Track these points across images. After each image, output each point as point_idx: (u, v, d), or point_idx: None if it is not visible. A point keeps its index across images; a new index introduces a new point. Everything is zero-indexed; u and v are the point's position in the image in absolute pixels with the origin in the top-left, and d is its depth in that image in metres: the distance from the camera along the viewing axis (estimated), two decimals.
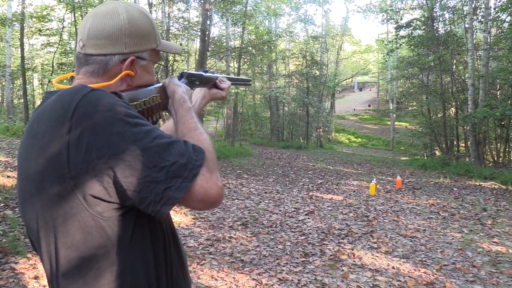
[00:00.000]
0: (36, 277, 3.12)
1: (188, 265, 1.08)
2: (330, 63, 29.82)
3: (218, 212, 5.74)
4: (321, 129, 25.09)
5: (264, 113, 26.95)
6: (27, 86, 16.23)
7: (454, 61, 16.18)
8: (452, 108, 16.49)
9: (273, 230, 5.04)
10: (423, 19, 16.50)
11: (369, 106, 44.58)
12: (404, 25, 16.49)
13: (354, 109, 44.06)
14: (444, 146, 15.94)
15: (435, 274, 3.68)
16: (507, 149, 14.21)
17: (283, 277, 3.53)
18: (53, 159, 0.77)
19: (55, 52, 16.50)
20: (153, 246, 0.86)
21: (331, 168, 12.36)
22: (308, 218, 5.66)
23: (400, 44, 17.11)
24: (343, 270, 3.75)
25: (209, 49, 14.44)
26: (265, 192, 7.52)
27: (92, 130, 0.75)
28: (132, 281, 0.82)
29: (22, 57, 14.44)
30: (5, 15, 14.98)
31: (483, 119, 12.12)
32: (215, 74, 1.32)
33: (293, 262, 3.94)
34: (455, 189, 8.44)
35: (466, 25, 14.00)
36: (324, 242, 4.58)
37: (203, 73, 1.26)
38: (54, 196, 0.78)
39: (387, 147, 30.03)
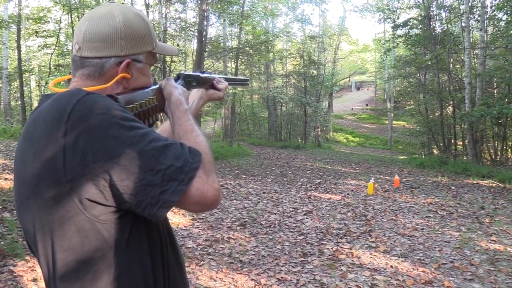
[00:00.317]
0: (34, 280, 3.12)
1: (186, 267, 1.08)
2: (327, 62, 29.83)
3: (217, 213, 5.74)
4: (319, 129, 25.11)
5: (262, 113, 26.95)
6: (24, 88, 16.19)
7: (451, 60, 16.21)
8: (449, 107, 16.53)
9: (271, 230, 5.05)
10: (420, 18, 16.53)
11: (367, 105, 44.60)
12: (401, 24, 16.51)
13: (352, 108, 44.07)
14: (441, 144, 15.97)
15: (434, 273, 3.69)
16: (504, 147, 14.25)
17: (281, 277, 3.54)
18: (49, 163, 0.77)
19: (52, 53, 16.44)
20: (150, 249, 0.86)
21: (329, 167, 12.37)
22: (307, 218, 5.67)
23: (397, 43, 17.13)
24: (341, 269, 3.76)
25: (207, 49, 14.42)
26: (264, 192, 7.52)
27: (87, 133, 0.75)
28: (129, 283, 0.82)
29: (19, 59, 14.40)
30: (1, 17, 14.91)
31: (481, 118, 12.16)
32: (212, 75, 1.32)
33: (291, 262, 3.95)
34: (453, 187, 8.46)
35: (463, 24, 14.05)
36: (322, 242, 4.59)
37: (200, 74, 1.26)
38: (50, 200, 0.78)
39: (385, 146, 30.07)
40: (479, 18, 13.24)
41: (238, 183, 8.34)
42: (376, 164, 13.91)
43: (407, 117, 25.99)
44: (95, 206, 0.77)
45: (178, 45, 18.12)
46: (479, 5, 13.28)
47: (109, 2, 1.00)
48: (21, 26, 14.82)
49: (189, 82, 1.20)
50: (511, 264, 3.93)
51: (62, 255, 0.80)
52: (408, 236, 4.90)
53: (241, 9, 16.65)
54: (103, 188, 0.76)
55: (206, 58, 14.96)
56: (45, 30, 17.27)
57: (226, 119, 20.77)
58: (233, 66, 19.54)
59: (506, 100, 11.92)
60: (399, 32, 16.72)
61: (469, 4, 13.55)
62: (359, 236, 4.86)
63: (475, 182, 9.05)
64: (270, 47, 21.56)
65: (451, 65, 16.41)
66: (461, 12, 14.41)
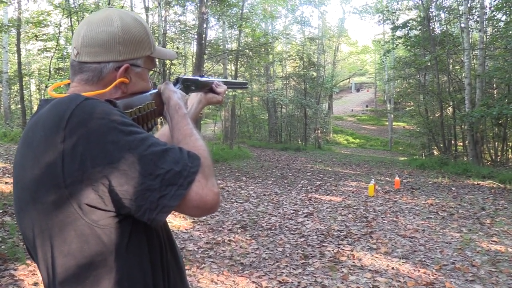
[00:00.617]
0: (35, 284, 3.11)
1: (187, 270, 1.08)
2: (327, 64, 29.90)
3: (217, 216, 5.73)
4: (319, 131, 25.11)
5: (262, 115, 26.97)
6: (24, 91, 16.22)
7: (451, 61, 16.23)
8: (449, 108, 16.54)
9: (272, 232, 5.04)
10: (419, 19, 16.56)
11: (367, 106, 44.63)
12: (401, 25, 16.53)
13: (352, 110, 44.10)
14: (442, 145, 15.96)
15: (435, 274, 3.68)
16: (504, 148, 14.25)
17: (283, 280, 3.53)
18: (48, 168, 0.77)
19: (52, 57, 16.46)
20: (149, 253, 0.86)
21: (330, 169, 12.37)
22: (307, 220, 5.66)
23: (397, 45, 17.14)
24: (342, 271, 3.75)
25: (206, 52, 14.42)
26: (264, 195, 7.52)
27: (86, 139, 0.75)
28: None
29: (19, 63, 14.43)
30: (1, 21, 14.94)
31: (481, 118, 12.17)
32: (211, 79, 1.32)
33: (292, 264, 3.94)
34: (453, 188, 8.46)
35: (462, 25, 14.07)
36: (323, 244, 4.58)
37: (199, 78, 1.26)
38: (50, 205, 0.78)
39: (385, 147, 30.07)
40: (478, 19, 13.26)
41: (239, 186, 8.34)
42: (376, 166, 13.91)
43: (407, 118, 26.01)
44: (94, 211, 0.77)
45: (177, 47, 18.18)
46: (478, 6, 13.29)
47: (108, 7, 1.01)
48: (21, 30, 14.84)
49: (188, 86, 1.21)
50: None
51: (62, 260, 0.79)
52: (409, 237, 4.89)
53: (241, 11, 16.68)
54: (102, 193, 0.76)
55: (205, 61, 14.97)
56: (45, 34, 17.28)
57: (226, 122, 20.78)
58: (233, 68, 19.56)
59: (506, 100, 11.91)
60: (398, 33, 16.74)
61: (468, 5, 13.57)
62: (360, 237, 4.86)
63: (476, 183, 9.04)
64: (269, 49, 21.58)
65: (451, 66, 16.43)
66: (460, 13, 14.43)
